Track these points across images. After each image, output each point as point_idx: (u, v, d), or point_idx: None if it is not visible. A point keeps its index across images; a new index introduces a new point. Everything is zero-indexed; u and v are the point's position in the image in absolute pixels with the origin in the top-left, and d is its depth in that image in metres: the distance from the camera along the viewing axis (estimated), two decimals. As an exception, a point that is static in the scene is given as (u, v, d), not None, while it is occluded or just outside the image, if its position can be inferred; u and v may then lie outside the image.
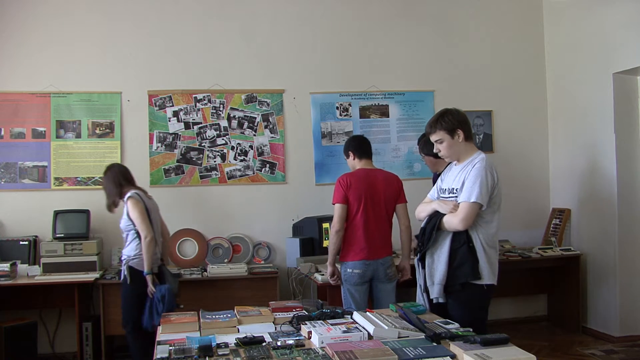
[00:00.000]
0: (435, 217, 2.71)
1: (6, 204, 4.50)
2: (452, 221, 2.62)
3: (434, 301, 2.68)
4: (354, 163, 3.69)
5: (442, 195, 2.80)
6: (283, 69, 4.94)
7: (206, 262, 4.62)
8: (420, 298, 2.84)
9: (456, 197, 2.68)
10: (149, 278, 3.59)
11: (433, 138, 2.78)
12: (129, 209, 3.64)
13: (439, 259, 2.66)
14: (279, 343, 2.01)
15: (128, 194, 3.68)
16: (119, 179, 3.75)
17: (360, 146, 3.68)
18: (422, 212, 2.85)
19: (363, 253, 3.45)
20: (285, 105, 4.93)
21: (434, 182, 3.50)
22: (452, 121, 2.71)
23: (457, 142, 2.72)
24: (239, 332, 2.29)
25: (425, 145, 3.66)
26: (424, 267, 2.76)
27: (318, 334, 2.06)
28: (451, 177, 2.76)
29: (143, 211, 3.62)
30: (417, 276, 2.87)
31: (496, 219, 2.68)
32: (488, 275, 2.62)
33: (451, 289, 2.63)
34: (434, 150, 2.85)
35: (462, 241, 2.61)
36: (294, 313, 2.45)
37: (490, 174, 2.63)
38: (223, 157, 4.81)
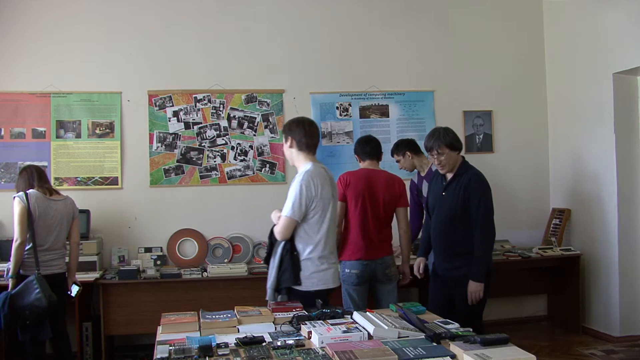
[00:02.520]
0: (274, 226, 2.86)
1: (6, 204, 4.49)
2: (275, 232, 2.79)
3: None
4: (360, 165, 3.70)
5: None
6: (283, 69, 4.94)
7: (206, 262, 4.62)
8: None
9: None
10: (10, 281, 3.46)
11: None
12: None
13: (274, 264, 2.80)
14: (279, 343, 2.01)
15: (16, 194, 3.54)
16: (31, 180, 3.62)
17: (362, 148, 3.68)
18: (273, 218, 2.91)
19: (360, 252, 3.44)
20: (285, 105, 4.93)
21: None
22: (285, 127, 2.87)
23: (287, 148, 2.85)
24: (239, 332, 2.29)
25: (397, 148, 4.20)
26: None
27: (318, 334, 2.06)
28: None
29: (22, 213, 3.45)
30: None
31: (322, 231, 2.75)
32: (307, 283, 2.74)
33: (279, 293, 2.78)
34: None
35: (287, 249, 2.76)
36: (294, 313, 2.45)
37: (307, 187, 2.69)
38: (223, 157, 4.81)
